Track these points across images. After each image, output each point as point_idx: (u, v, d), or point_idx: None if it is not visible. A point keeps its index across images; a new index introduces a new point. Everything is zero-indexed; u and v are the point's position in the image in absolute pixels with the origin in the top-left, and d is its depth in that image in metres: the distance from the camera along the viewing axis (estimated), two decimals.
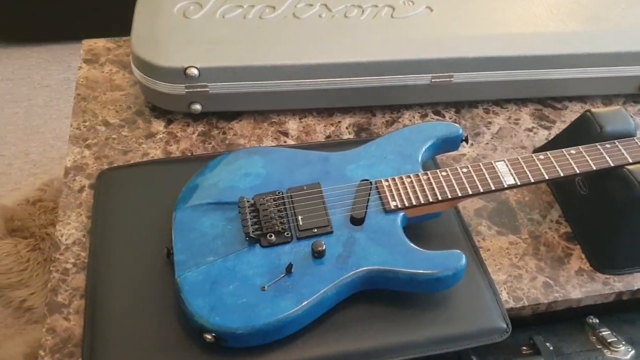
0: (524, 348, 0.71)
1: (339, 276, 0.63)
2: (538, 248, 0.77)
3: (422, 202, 0.69)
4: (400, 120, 0.93)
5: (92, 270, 0.69)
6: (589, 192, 0.77)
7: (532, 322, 0.76)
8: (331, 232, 0.67)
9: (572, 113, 0.96)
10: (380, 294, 0.66)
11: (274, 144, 0.89)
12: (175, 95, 0.87)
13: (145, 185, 0.79)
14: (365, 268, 0.64)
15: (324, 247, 0.64)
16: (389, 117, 0.94)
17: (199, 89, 0.87)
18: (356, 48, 0.90)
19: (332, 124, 0.92)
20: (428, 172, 0.72)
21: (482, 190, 0.71)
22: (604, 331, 0.73)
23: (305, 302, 0.61)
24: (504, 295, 0.72)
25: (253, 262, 0.65)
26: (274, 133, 0.91)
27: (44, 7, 1.83)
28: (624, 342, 0.72)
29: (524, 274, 0.74)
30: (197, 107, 0.89)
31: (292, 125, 0.92)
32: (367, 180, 0.72)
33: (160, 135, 0.88)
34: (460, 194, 0.70)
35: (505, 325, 0.67)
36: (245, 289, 0.62)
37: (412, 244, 0.66)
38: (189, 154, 0.86)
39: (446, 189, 0.70)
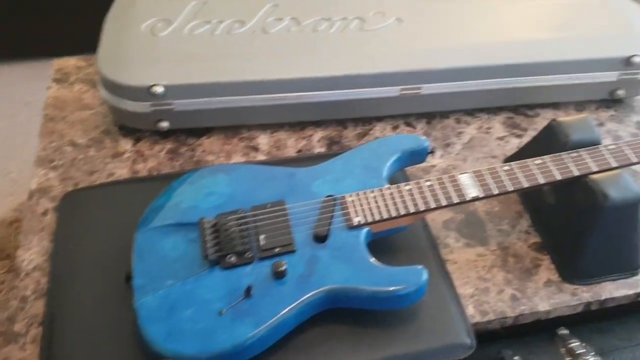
0: None
1: (299, 297, 0.62)
2: (506, 260, 0.76)
3: (385, 217, 0.69)
4: (372, 132, 0.93)
5: (51, 297, 0.69)
6: (557, 202, 0.76)
7: (502, 335, 0.76)
8: (294, 251, 0.66)
9: (544, 120, 0.95)
10: (344, 312, 0.65)
11: (244, 160, 0.88)
12: (142, 114, 0.87)
13: (108, 206, 0.78)
14: (326, 287, 0.63)
15: (284, 267, 0.64)
16: (361, 129, 0.93)
17: (164, 107, 0.86)
18: (326, 62, 0.90)
19: (303, 138, 0.92)
20: (392, 187, 0.72)
21: (444, 204, 0.70)
22: (573, 342, 0.72)
23: (264, 326, 0.60)
24: (470, 310, 0.71)
25: (212, 285, 0.64)
26: (244, 148, 0.90)
27: (25, 24, 1.83)
28: (592, 353, 0.71)
29: (491, 287, 0.73)
30: (165, 124, 0.88)
31: (263, 140, 0.91)
32: (332, 195, 0.71)
33: (128, 155, 0.88)
34: (422, 208, 0.70)
35: (469, 341, 0.66)
36: (202, 314, 0.61)
37: (374, 261, 0.65)
38: (156, 173, 0.85)
39: (409, 202, 0.70)
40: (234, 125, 0.93)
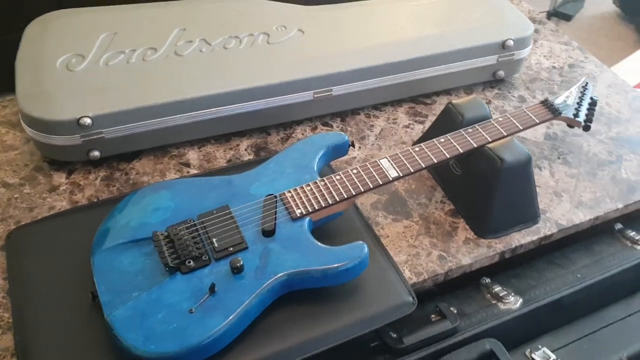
0: (433, 316, 0.81)
1: (259, 285, 0.69)
2: (429, 227, 0.87)
3: (323, 205, 0.77)
4: (294, 135, 1.01)
5: (19, 328, 0.70)
6: (462, 172, 0.88)
7: (436, 292, 0.86)
8: (246, 248, 0.73)
9: (440, 106, 1.08)
10: (299, 295, 0.73)
11: (178, 177, 0.93)
12: (72, 146, 0.89)
13: (57, 237, 0.80)
14: (282, 273, 0.70)
15: (241, 263, 0.70)
16: (283, 134, 1.01)
17: (94, 137, 0.89)
18: (241, 75, 0.97)
19: (231, 148, 0.98)
20: (324, 178, 0.80)
21: (372, 186, 0.80)
22: (495, 288, 0.84)
23: (232, 315, 0.67)
24: (406, 273, 0.81)
25: (177, 289, 0.69)
26: (176, 166, 0.95)
27: None
28: (512, 294, 0.83)
29: (420, 251, 0.84)
30: (96, 153, 0.91)
31: (193, 155, 0.97)
32: (271, 194, 0.79)
33: (64, 187, 0.90)
34: (354, 192, 0.79)
35: (411, 299, 0.76)
36: (173, 315, 0.67)
37: (320, 244, 0.73)
38: (96, 200, 0.88)
39: (341, 190, 0.79)
40: (163, 145, 0.97)
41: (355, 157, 0.97)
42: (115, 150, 0.93)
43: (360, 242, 0.74)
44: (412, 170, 0.81)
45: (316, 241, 0.74)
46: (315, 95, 0.99)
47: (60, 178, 0.91)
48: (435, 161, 0.82)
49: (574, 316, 0.85)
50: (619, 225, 0.95)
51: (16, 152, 0.95)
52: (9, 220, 0.85)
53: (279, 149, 0.99)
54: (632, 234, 0.92)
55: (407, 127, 1.04)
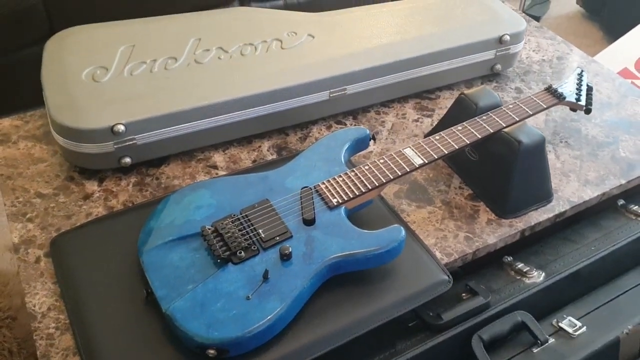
0: (464, 294, 0.86)
1: (309, 270, 0.73)
2: (452, 211, 0.92)
3: (357, 193, 0.82)
4: (311, 134, 1.06)
5: (78, 328, 0.73)
6: (479, 158, 0.94)
7: (463, 274, 0.91)
8: (291, 237, 0.77)
9: (444, 100, 1.14)
10: (342, 280, 0.77)
11: (207, 178, 0.97)
12: (105, 154, 0.92)
13: (98, 241, 0.83)
14: (329, 257, 0.74)
15: (290, 250, 0.74)
16: (301, 134, 1.06)
17: (127, 143, 0.92)
18: (259, 80, 1.01)
19: (254, 150, 1.02)
20: (354, 169, 0.85)
21: (400, 174, 0.85)
22: (518, 264, 0.90)
23: (288, 299, 0.71)
24: (438, 254, 0.86)
25: (231, 279, 0.73)
26: (204, 168, 0.98)
27: None
28: (535, 269, 0.89)
29: (447, 234, 0.89)
30: (127, 160, 0.94)
31: (218, 158, 1.01)
32: (307, 187, 0.83)
33: (97, 194, 0.93)
34: (384, 180, 0.84)
35: (447, 277, 0.81)
36: (232, 303, 0.70)
37: (360, 229, 0.78)
38: (131, 204, 0.91)
39: (372, 178, 0.84)
40: (189, 150, 1.01)
41: (372, 152, 1.03)
42: (145, 156, 0.96)
43: (397, 225, 0.79)
44: (436, 157, 0.87)
45: (355, 227, 0.79)
46: (331, 95, 1.04)
47: (92, 186, 0.94)
48: (457, 147, 0.88)
49: (591, 286, 0.91)
50: (621, 201, 1.02)
51: (45, 164, 0.97)
52: (49, 228, 0.87)
53: (299, 148, 1.03)
54: (635, 207, 0.99)
55: (416, 121, 1.10)
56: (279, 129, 1.06)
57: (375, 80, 1.07)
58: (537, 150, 0.89)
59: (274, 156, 1.02)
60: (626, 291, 0.90)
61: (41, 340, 0.73)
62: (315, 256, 0.75)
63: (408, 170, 0.85)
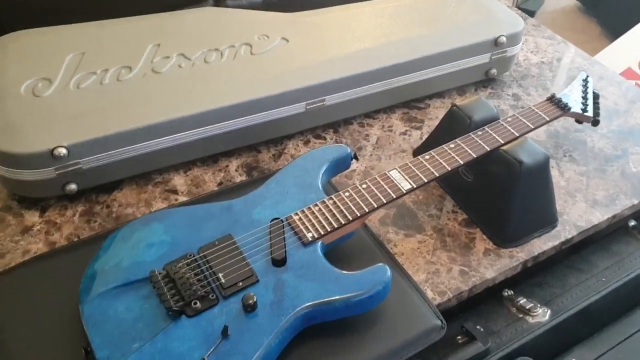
0: (459, 337, 0.75)
1: (278, 323, 0.62)
2: (444, 240, 0.81)
3: (336, 226, 0.70)
4: (286, 151, 0.94)
5: None
6: (474, 179, 0.83)
7: (457, 310, 0.80)
8: (257, 281, 0.65)
9: (435, 109, 1.03)
10: (319, 329, 0.66)
11: (166, 205, 0.85)
12: (46, 180, 0.80)
13: (35, 285, 0.71)
14: (301, 307, 0.63)
15: (255, 299, 0.62)
16: (275, 150, 0.94)
17: (70, 168, 0.80)
18: (226, 91, 0.89)
19: (220, 170, 0.91)
20: (333, 196, 0.73)
21: (385, 201, 0.73)
22: (520, 300, 0.79)
23: None
24: (429, 293, 0.75)
25: (184, 336, 0.61)
26: (162, 193, 0.87)
27: None
28: (539, 305, 0.78)
29: (440, 268, 0.78)
30: (73, 187, 0.82)
31: (179, 180, 0.89)
32: (277, 218, 0.71)
33: (38, 227, 0.81)
34: (367, 210, 0.72)
35: (439, 322, 0.70)
36: None
37: (338, 270, 0.66)
38: (76, 239, 0.79)
39: (353, 208, 0.72)
40: (145, 173, 0.89)
41: (355, 170, 0.91)
42: (94, 181, 0.84)
43: (381, 264, 0.67)
44: (426, 181, 0.75)
45: (333, 267, 0.67)
46: (308, 107, 0.93)
47: (32, 217, 0.82)
48: (449, 169, 0.77)
49: (602, 323, 0.80)
50: (632, 222, 0.91)
51: None
52: None
53: (272, 167, 0.91)
54: None
55: (404, 134, 0.98)
56: (249, 145, 0.94)
57: (358, 90, 0.95)
58: (541, 171, 0.78)
59: (244, 177, 0.90)
60: None
61: None
62: (286, 305, 0.63)
63: (394, 197, 0.74)
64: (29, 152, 0.77)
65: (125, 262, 0.68)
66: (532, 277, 0.84)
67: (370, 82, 0.96)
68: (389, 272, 0.66)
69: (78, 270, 0.70)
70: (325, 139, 0.97)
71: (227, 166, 0.91)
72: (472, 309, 0.80)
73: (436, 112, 1.02)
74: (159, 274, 0.65)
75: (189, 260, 0.67)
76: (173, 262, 0.67)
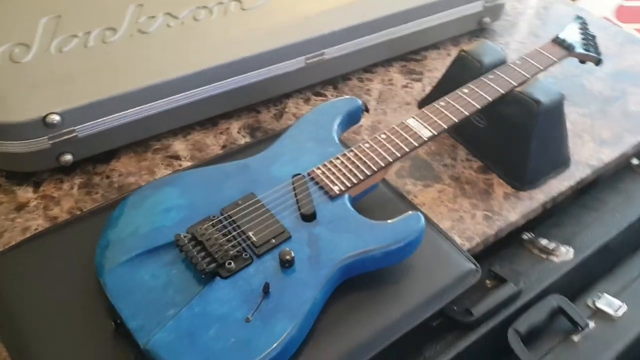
0: (488, 282, 0.74)
1: (319, 276, 0.59)
2: (463, 188, 0.80)
3: (362, 177, 0.68)
4: (287, 110, 0.90)
5: None
6: (487, 124, 0.82)
7: (479, 256, 0.79)
8: (290, 238, 0.62)
9: (432, 61, 1.01)
10: (355, 284, 0.63)
11: (170, 172, 0.80)
12: (39, 152, 0.74)
13: (43, 262, 0.65)
14: (341, 258, 0.60)
15: (292, 254, 0.59)
16: (275, 110, 0.90)
17: (66, 137, 0.74)
18: (221, 48, 0.84)
19: (221, 133, 0.86)
20: (353, 149, 0.70)
21: (407, 150, 0.71)
22: (542, 241, 0.79)
23: (300, 316, 0.56)
24: (457, 240, 0.73)
25: (222, 297, 0.57)
26: (164, 160, 0.82)
27: None
28: (561, 244, 0.78)
29: (463, 215, 0.77)
30: (68, 157, 0.76)
31: (179, 146, 0.84)
32: (298, 174, 0.68)
33: (34, 203, 0.74)
34: (391, 159, 0.70)
35: (473, 266, 0.68)
36: (229, 328, 0.55)
37: (371, 221, 0.64)
38: (80, 212, 0.74)
39: (376, 158, 0.69)
40: (142, 140, 0.83)
41: (362, 126, 0.88)
42: (90, 151, 0.79)
43: (415, 212, 0.65)
44: (446, 127, 0.73)
45: (365, 218, 0.65)
46: (307, 61, 0.89)
47: (26, 193, 0.76)
48: (467, 114, 0.75)
49: (620, 257, 0.81)
50: (635, 161, 0.92)
51: None
52: None
53: (275, 127, 0.88)
54: None
55: (405, 86, 0.96)
56: (247, 106, 0.90)
57: (356, 42, 0.92)
58: (557, 110, 0.78)
59: (247, 139, 0.86)
60: None
61: None
62: (324, 259, 0.60)
63: (416, 145, 0.71)
64: (18, 120, 0.71)
65: (142, 229, 0.63)
66: (547, 219, 0.84)
67: (369, 32, 0.92)
68: (422, 220, 0.64)
69: (88, 243, 0.65)
70: (325, 96, 0.94)
71: (227, 128, 0.87)
72: (493, 255, 0.80)
73: (434, 64, 1.00)
74: (185, 236, 0.61)
75: (213, 222, 0.63)
76: (196, 224, 0.63)
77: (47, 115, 0.71)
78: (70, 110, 0.73)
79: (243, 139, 0.85)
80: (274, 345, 0.54)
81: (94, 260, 0.63)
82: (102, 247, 0.63)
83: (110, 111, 0.77)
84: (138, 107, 0.79)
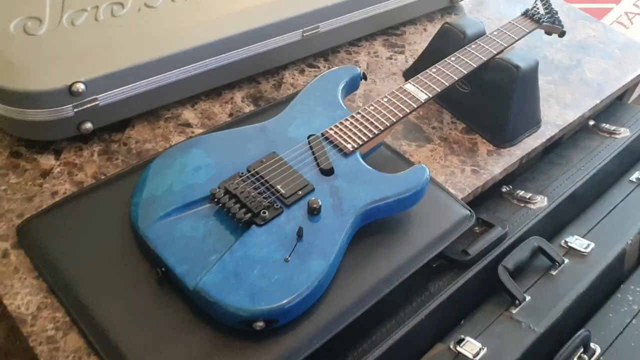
0: (476, 228, 0.84)
1: (345, 221, 0.67)
2: (452, 147, 0.89)
3: (371, 136, 0.76)
4: (284, 80, 0.97)
5: (85, 324, 0.61)
6: (471, 89, 0.91)
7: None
8: (314, 189, 0.69)
9: (411, 35, 1.10)
10: (367, 232, 0.71)
11: (183, 139, 0.85)
12: (61, 120, 0.77)
13: (79, 222, 0.70)
14: (361, 206, 0.68)
15: (319, 203, 0.67)
16: (273, 80, 0.97)
17: (89, 105, 0.78)
18: (230, 20, 0.89)
19: (226, 102, 0.92)
20: (360, 111, 0.78)
21: (408, 111, 0.79)
22: (519, 192, 0.89)
23: (331, 255, 0.64)
24: (451, 191, 0.83)
25: (260, 242, 0.64)
26: (176, 127, 0.87)
27: None
28: (536, 194, 0.89)
29: (454, 170, 0.86)
30: (89, 125, 0.80)
31: (189, 114, 0.89)
32: (313, 134, 0.75)
33: (58, 169, 0.78)
34: (394, 119, 0.78)
35: (469, 212, 0.78)
36: (270, 267, 0.62)
37: (383, 173, 0.72)
38: (104, 177, 0.78)
39: (382, 119, 0.78)
40: (153, 109, 0.88)
41: (355, 94, 0.96)
42: (107, 120, 0.83)
43: (420, 165, 0.74)
44: (439, 90, 0.82)
45: (378, 171, 0.73)
46: (304, 34, 0.95)
47: (48, 160, 0.79)
48: (456, 78, 0.84)
49: (584, 205, 0.93)
50: (592, 122, 1.05)
51: None
52: (8, 215, 0.72)
53: (276, 96, 0.94)
54: (606, 126, 1.02)
55: (390, 58, 1.04)
56: (247, 77, 0.96)
57: (348, 16, 0.99)
58: (533, 74, 0.88)
59: (252, 107, 0.92)
60: (617, 205, 0.93)
61: (41, 345, 0.60)
62: (346, 206, 0.68)
63: (415, 106, 0.80)
64: (45, 89, 0.74)
65: (176, 187, 0.69)
66: (521, 175, 0.95)
67: (359, 7, 1.00)
68: (427, 171, 0.73)
69: (118, 203, 0.71)
70: (318, 67, 1.01)
71: (232, 98, 0.93)
72: (478, 205, 0.90)
73: (413, 37, 1.09)
74: (220, 191, 0.67)
75: (243, 177, 0.70)
76: (227, 180, 0.69)
77: (73, 84, 0.75)
78: (93, 79, 0.77)
79: (248, 107, 0.91)
80: (312, 281, 0.62)
81: (129, 216, 0.69)
82: (136, 205, 0.69)
83: (129, 81, 0.81)
84: (153, 77, 0.83)
